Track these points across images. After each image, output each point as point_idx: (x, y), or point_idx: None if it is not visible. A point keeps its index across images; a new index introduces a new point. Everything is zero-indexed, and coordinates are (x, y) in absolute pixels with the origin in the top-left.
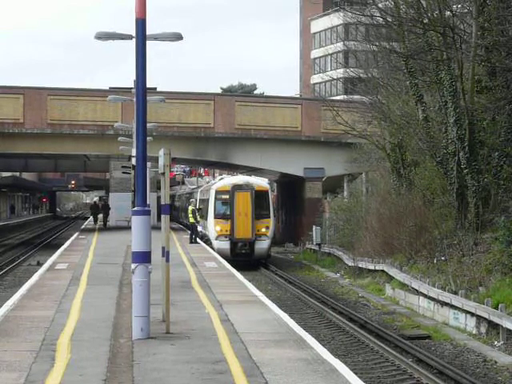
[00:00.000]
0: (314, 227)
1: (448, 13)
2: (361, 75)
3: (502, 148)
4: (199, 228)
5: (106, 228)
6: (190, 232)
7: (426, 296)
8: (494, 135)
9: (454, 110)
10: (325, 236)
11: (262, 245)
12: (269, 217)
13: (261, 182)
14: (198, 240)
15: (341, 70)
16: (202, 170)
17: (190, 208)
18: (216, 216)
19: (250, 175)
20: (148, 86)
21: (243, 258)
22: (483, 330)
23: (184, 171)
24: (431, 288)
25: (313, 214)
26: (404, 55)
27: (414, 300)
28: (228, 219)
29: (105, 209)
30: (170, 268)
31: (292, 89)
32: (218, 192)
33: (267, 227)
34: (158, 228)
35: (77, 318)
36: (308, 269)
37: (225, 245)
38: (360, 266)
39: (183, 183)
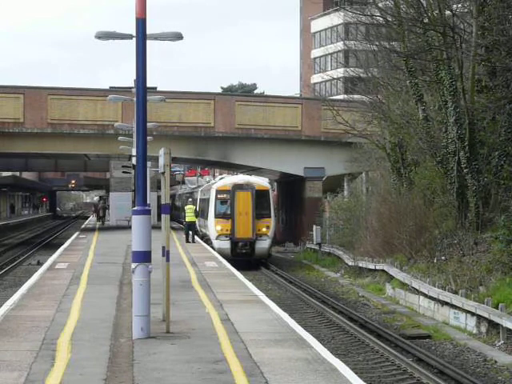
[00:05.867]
0: (314, 227)
1: (448, 12)
2: (361, 75)
3: (502, 147)
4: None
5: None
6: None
7: (426, 295)
8: (494, 135)
9: (454, 110)
10: (325, 235)
11: (263, 244)
12: (269, 216)
13: (261, 182)
14: (198, 239)
15: (341, 70)
16: (200, 169)
17: (190, 206)
18: (216, 215)
19: (251, 175)
20: (148, 85)
21: (244, 257)
22: (483, 329)
23: (182, 171)
24: (431, 287)
25: (313, 214)
26: (404, 55)
27: (414, 299)
28: (228, 219)
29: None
30: (171, 267)
31: (292, 88)
32: (218, 191)
33: (268, 227)
34: (159, 227)
35: (77, 318)
36: (308, 268)
37: (225, 244)
38: (360, 265)
39: (183, 183)
